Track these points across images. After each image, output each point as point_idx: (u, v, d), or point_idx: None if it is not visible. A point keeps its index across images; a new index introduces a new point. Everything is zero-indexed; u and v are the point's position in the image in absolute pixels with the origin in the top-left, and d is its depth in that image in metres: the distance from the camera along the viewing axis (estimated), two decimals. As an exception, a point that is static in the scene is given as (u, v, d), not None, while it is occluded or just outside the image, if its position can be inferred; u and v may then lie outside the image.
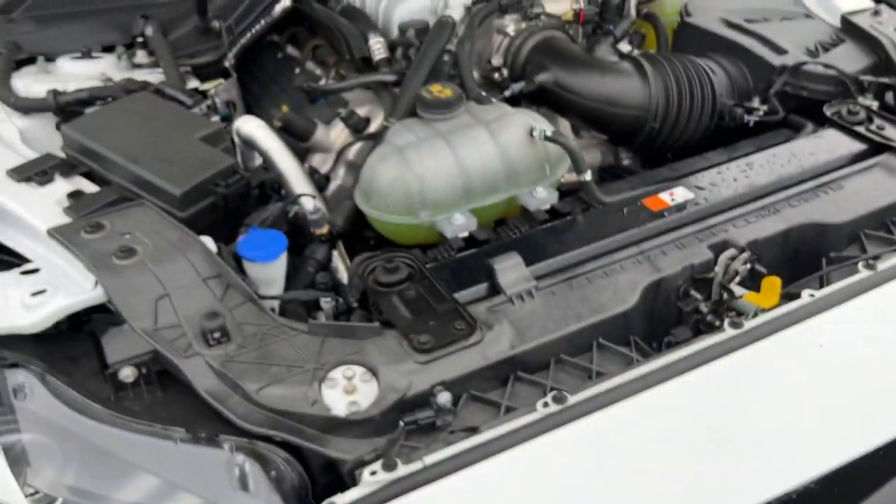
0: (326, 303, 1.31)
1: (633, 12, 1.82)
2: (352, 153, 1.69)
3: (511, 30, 1.76)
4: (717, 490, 0.99)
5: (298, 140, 1.66)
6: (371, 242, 1.55)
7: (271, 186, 1.51)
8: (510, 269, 1.22)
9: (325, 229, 1.44)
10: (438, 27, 1.64)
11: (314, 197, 1.44)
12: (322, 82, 1.87)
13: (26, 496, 1.11)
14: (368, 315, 1.28)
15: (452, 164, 1.37)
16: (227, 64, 1.92)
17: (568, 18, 1.78)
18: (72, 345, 1.21)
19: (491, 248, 1.34)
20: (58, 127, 1.63)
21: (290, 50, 2.09)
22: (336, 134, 1.71)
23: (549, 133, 1.39)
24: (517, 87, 1.65)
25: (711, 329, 1.26)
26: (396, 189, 1.35)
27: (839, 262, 1.34)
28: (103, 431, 1.07)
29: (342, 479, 1.08)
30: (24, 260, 1.28)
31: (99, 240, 1.24)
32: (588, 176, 1.41)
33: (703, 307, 1.27)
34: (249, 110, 1.95)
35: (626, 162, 1.80)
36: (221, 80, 1.89)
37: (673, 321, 1.30)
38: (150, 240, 1.24)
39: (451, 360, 1.10)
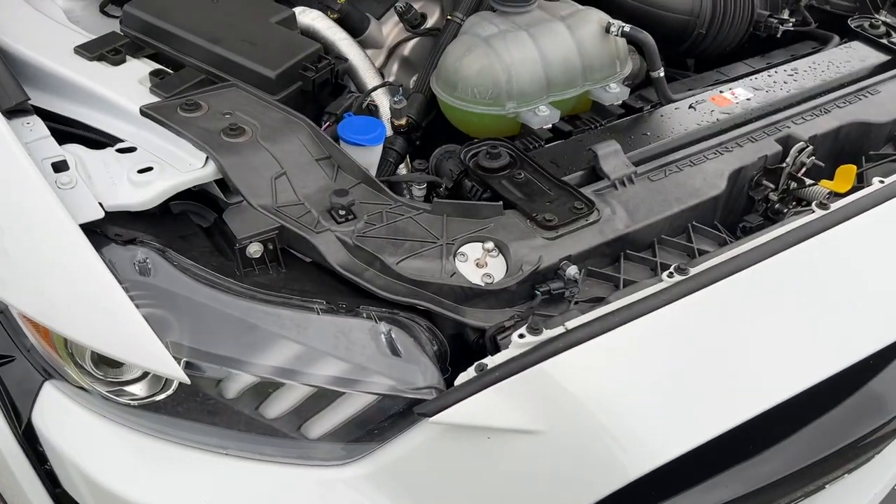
0: (420, 189, 1.33)
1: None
2: (407, 49, 1.69)
3: (560, -69, 1.77)
4: (829, 347, 1.11)
5: (351, 34, 1.63)
6: (417, 143, 1.57)
7: (341, 76, 1.49)
8: (611, 156, 1.28)
9: (403, 120, 1.44)
10: (497, -76, 1.63)
11: (400, 86, 1.44)
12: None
13: (140, 379, 1.12)
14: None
15: (536, 56, 1.39)
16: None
17: (613, -77, 1.80)
18: (176, 225, 1.20)
19: (577, 139, 1.39)
20: (101, 8, 1.55)
21: (312, -55, 2.02)
22: (388, 29, 1.70)
23: (627, 29, 1.44)
24: (572, -13, 1.68)
25: (779, 216, 1.38)
26: (485, 79, 1.36)
27: (877, 159, 1.48)
28: (237, 304, 1.07)
29: (469, 347, 1.14)
30: (110, 139, 1.24)
31: (200, 118, 1.21)
32: (661, 73, 1.47)
33: (773, 196, 1.37)
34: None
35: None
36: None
37: (742, 210, 1.40)
38: (255, 120, 1.22)
39: (574, 236, 1.16)
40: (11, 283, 1.05)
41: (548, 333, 1.04)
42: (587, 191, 1.24)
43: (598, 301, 1.12)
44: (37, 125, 1.17)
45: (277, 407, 1.10)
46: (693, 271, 1.11)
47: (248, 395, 1.09)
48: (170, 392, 1.10)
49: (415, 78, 1.65)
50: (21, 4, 1.43)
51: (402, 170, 1.48)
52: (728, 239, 1.27)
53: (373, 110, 1.50)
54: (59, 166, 1.11)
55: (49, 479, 1.16)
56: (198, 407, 1.11)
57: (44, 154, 1.12)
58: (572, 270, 1.12)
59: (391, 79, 1.69)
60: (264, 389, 1.09)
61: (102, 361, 1.09)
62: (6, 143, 1.09)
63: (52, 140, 1.15)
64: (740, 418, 1.09)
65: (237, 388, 1.09)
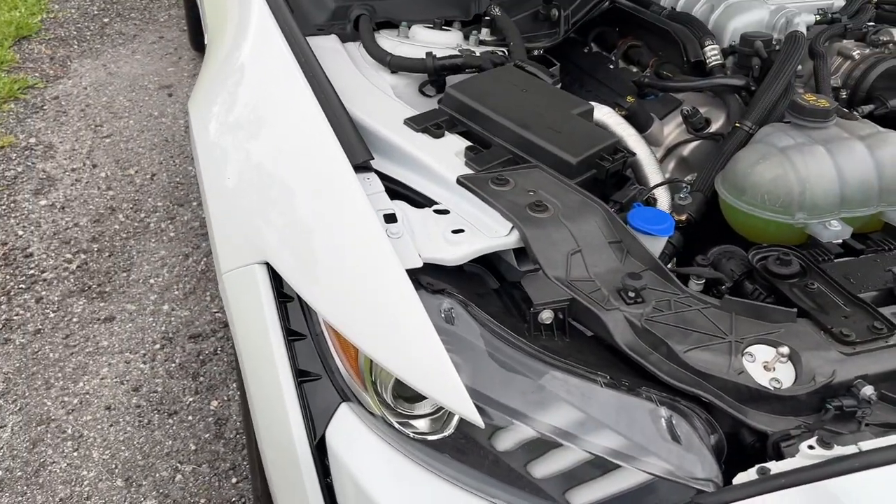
0: (698, 284, 1.36)
1: None
2: (686, 150, 1.75)
3: (856, 54, 1.78)
4: None
5: (636, 130, 1.73)
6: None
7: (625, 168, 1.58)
8: (913, 281, 1.24)
9: (684, 216, 1.50)
10: (794, 40, 1.67)
11: (687, 185, 1.50)
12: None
13: (425, 416, 1.22)
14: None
15: (832, 171, 1.40)
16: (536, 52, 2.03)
17: (915, 49, 1.78)
18: (472, 284, 1.32)
19: (871, 257, 1.37)
20: (420, 88, 1.77)
21: (595, 47, 2.18)
22: (669, 130, 1.78)
23: (935, 156, 1.40)
24: (867, 108, 1.67)
25: None
26: (778, 187, 1.39)
27: None
28: (528, 363, 1.15)
29: (744, 448, 1.13)
30: (427, 200, 1.40)
31: (508, 192, 1.34)
32: (969, 204, 1.41)
33: None
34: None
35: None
36: (544, 67, 1.99)
37: None
38: (556, 199, 1.33)
39: (872, 356, 1.13)
40: (344, 312, 1.21)
41: (839, 450, 1.01)
42: (885, 312, 1.20)
43: (893, 427, 1.08)
44: (374, 181, 1.35)
45: (546, 467, 1.15)
46: None
47: (519, 451, 1.16)
48: (447, 433, 1.20)
49: (690, 177, 1.70)
50: (360, 78, 1.68)
51: (671, 265, 1.52)
52: None
53: (651, 203, 1.57)
54: (389, 218, 1.28)
55: (328, 491, 1.29)
56: (469, 451, 1.19)
57: (378, 206, 1.30)
58: (868, 390, 1.09)
59: (667, 176, 1.75)
60: (536, 448, 1.15)
61: (399, 395, 1.21)
62: (354, 193, 1.27)
63: (385, 195, 1.33)
64: None
65: (511, 442, 1.16)
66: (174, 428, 2.41)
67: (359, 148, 1.36)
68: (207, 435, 2.39)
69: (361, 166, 1.36)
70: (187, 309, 2.85)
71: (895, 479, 1.00)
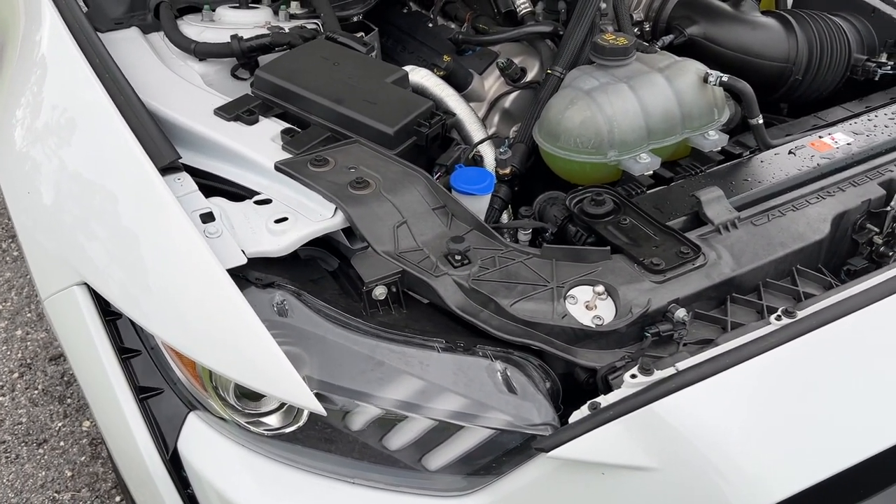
0: (526, 234, 1.41)
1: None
2: (508, 101, 1.78)
3: (653, -14, 1.85)
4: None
5: (456, 89, 1.74)
6: (516, 189, 1.65)
7: (448, 129, 1.59)
8: (714, 202, 1.32)
9: (508, 170, 1.53)
10: (593, -19, 1.72)
11: (506, 139, 1.53)
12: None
13: (275, 411, 1.22)
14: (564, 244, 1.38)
15: (636, 106, 1.46)
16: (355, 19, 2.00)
17: (706, -24, 1.86)
18: (307, 269, 1.30)
19: (679, 185, 1.45)
20: (232, 72, 1.71)
21: (414, 6, 2.16)
22: (489, 83, 1.80)
23: (725, 79, 1.49)
24: (668, 38, 1.75)
25: (884, 259, 1.38)
26: (588, 130, 1.44)
27: None
28: (366, 342, 1.16)
29: (580, 386, 1.19)
30: (247, 192, 1.36)
31: (328, 172, 1.32)
32: (760, 120, 1.51)
33: (878, 239, 1.38)
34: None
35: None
36: (362, 33, 1.96)
37: (845, 253, 1.41)
38: (377, 173, 1.32)
39: (681, 280, 1.21)
40: (171, 324, 1.17)
41: (659, 374, 1.08)
42: (692, 236, 1.28)
43: (707, 343, 1.16)
44: (186, 181, 1.30)
45: (400, 439, 1.17)
46: (801, 314, 1.14)
47: (372, 428, 1.18)
48: (301, 423, 1.19)
49: (515, 128, 1.74)
50: (165, 71, 1.60)
51: (505, 215, 1.56)
52: (833, 282, 1.29)
53: (478, 160, 1.59)
54: (206, 217, 1.24)
55: (191, 503, 1.27)
56: (326, 437, 1.20)
57: (193, 207, 1.25)
58: (681, 313, 1.16)
59: (493, 129, 1.79)
60: (388, 422, 1.17)
61: (243, 394, 1.19)
62: (163, 198, 1.22)
63: (199, 194, 1.28)
64: (850, 461, 1.10)
65: (362, 421, 1.18)
66: (46, 457, 2.29)
67: (164, 149, 1.30)
68: (83, 458, 2.29)
69: (170, 167, 1.30)
70: (43, 330, 2.69)
71: (710, 390, 1.09)
